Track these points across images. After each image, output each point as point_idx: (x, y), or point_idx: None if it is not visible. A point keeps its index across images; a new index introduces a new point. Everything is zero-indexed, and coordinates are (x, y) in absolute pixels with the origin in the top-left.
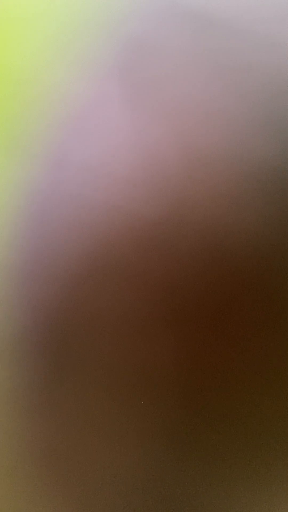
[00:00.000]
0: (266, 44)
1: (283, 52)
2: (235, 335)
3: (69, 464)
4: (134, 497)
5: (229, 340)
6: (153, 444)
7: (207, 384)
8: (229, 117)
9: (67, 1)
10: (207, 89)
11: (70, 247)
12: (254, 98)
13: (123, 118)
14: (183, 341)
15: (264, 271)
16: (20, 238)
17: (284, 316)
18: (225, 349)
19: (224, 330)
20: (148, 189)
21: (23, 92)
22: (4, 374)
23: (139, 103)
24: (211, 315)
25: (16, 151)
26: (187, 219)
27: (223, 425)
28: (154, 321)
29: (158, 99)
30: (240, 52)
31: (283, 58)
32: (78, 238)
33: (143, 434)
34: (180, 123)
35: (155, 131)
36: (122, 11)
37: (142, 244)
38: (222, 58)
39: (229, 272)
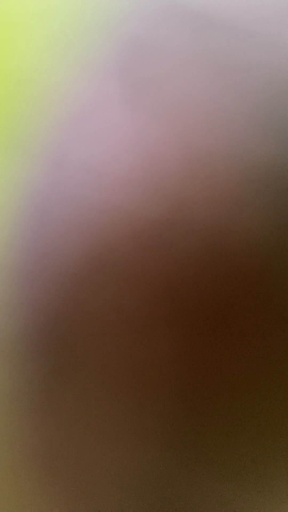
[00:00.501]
0: (266, 44)
1: (283, 52)
2: (234, 335)
3: (69, 464)
4: (134, 497)
5: (229, 340)
6: (152, 444)
7: (206, 383)
8: (229, 117)
9: (67, 1)
10: (207, 89)
11: (70, 247)
12: (254, 98)
13: (123, 118)
14: (182, 341)
15: (264, 271)
16: (20, 238)
17: (284, 316)
18: (225, 349)
19: (224, 330)
20: (148, 189)
21: (23, 92)
22: (4, 374)
23: (139, 103)
24: (211, 315)
25: (16, 151)
26: (187, 219)
27: (222, 424)
28: (154, 321)
29: (158, 99)
30: (240, 52)
31: (283, 58)
32: (78, 238)
33: (143, 434)
34: (180, 123)
35: (155, 131)
36: (122, 11)
37: (142, 244)
38: (222, 58)
39: (229, 272)
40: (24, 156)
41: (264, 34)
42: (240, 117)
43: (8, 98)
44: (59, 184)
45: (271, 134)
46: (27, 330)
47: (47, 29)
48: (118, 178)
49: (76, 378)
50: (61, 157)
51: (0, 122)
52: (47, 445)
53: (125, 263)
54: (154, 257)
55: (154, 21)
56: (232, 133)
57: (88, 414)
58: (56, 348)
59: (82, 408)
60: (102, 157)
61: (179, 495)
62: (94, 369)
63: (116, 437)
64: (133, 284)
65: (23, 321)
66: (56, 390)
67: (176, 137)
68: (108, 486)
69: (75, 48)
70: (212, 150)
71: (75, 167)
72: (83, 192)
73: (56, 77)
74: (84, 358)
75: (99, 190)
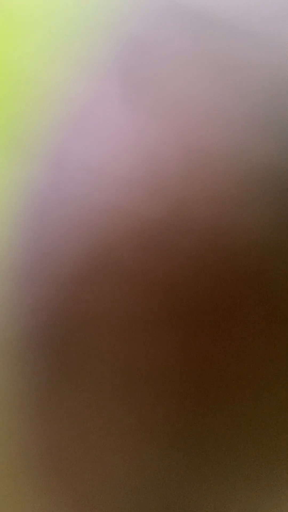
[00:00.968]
0: (266, 44)
1: (283, 52)
2: (235, 334)
3: (69, 464)
4: (134, 497)
5: (230, 340)
6: (153, 444)
7: (207, 384)
8: (229, 117)
9: (67, 1)
10: (207, 89)
11: (70, 247)
12: (254, 98)
13: (123, 118)
14: (183, 341)
15: (264, 271)
16: (20, 238)
17: (285, 316)
18: (226, 348)
19: (224, 330)
20: (148, 189)
21: (23, 92)
22: (4, 374)
23: (139, 103)
24: (212, 315)
25: (16, 151)
26: (187, 219)
27: (223, 425)
28: (154, 321)
29: (158, 99)
30: (240, 52)
31: (283, 58)
32: (78, 238)
33: (144, 434)
34: (180, 123)
35: (155, 131)
36: (122, 11)
37: (142, 244)
38: (222, 58)
39: (229, 271)
40: (24, 156)
41: (264, 34)
42: (240, 117)
43: (8, 98)
44: (59, 184)
45: (271, 134)
46: (27, 330)
47: (47, 29)
48: (118, 178)
49: (76, 378)
50: (61, 157)
51: (0, 122)
52: (47, 445)
53: (125, 263)
54: (154, 257)
55: (154, 21)
56: (232, 133)
57: (88, 414)
58: (56, 348)
59: (83, 408)
60: (102, 157)
61: (180, 495)
62: (94, 369)
63: (116, 437)
64: (133, 284)
65: (23, 321)
66: (56, 390)
67: (176, 137)
68: (109, 486)
69: (75, 48)
70: (212, 150)
71: (75, 167)
72: (83, 192)
73: (56, 77)
74: (84, 358)
75: (99, 190)
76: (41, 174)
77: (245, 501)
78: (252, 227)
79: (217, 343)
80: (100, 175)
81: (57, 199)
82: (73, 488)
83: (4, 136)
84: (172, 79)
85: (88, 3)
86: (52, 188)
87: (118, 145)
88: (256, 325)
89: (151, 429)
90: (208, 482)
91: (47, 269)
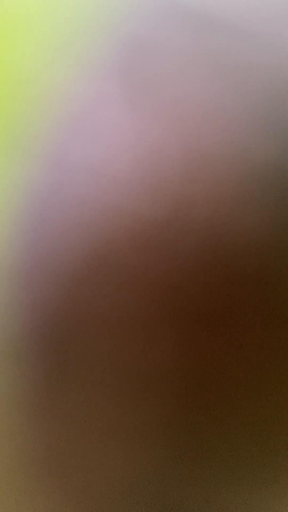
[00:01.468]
0: (266, 44)
1: (283, 52)
2: (235, 334)
3: (69, 464)
4: (134, 497)
5: (229, 340)
6: (153, 443)
7: (207, 383)
8: (229, 117)
9: (67, 1)
10: (207, 89)
11: (70, 247)
12: (254, 98)
13: (123, 118)
14: (183, 341)
15: (264, 271)
16: (20, 238)
17: (285, 316)
18: (225, 348)
19: (224, 330)
20: (148, 189)
21: (23, 92)
22: (4, 374)
23: (139, 103)
24: (211, 314)
25: (16, 151)
26: (187, 219)
27: (223, 424)
28: (154, 321)
29: (158, 99)
30: (240, 52)
31: (283, 58)
32: (78, 238)
33: (143, 433)
34: (180, 123)
35: (155, 131)
36: (122, 11)
37: (142, 244)
38: (222, 58)
39: (229, 271)
40: (24, 156)
41: (264, 34)
42: (240, 117)
43: (8, 98)
44: (59, 184)
45: (271, 134)
46: (27, 330)
47: (47, 29)
48: (118, 178)
49: (76, 378)
50: (61, 157)
51: (0, 122)
52: (47, 445)
53: (125, 263)
54: (154, 257)
55: (154, 21)
56: (232, 133)
57: (88, 414)
58: (56, 348)
59: (83, 408)
60: (102, 157)
61: (179, 495)
62: (94, 369)
63: (116, 437)
64: (133, 284)
65: (23, 321)
66: (56, 390)
67: (176, 137)
68: (108, 485)
69: (75, 48)
70: (212, 150)
71: (75, 167)
72: (83, 192)
73: (56, 77)
74: (84, 358)
75: (99, 190)
76: (41, 174)
77: (245, 501)
78: (252, 227)
79: (217, 343)
80: (100, 175)
81: (57, 199)
82: (73, 488)
83: (4, 136)
84: (172, 79)
85: (88, 3)
86: (52, 188)
87: (118, 145)
88: (256, 325)
89: (151, 429)
90: (208, 482)
91: (47, 269)
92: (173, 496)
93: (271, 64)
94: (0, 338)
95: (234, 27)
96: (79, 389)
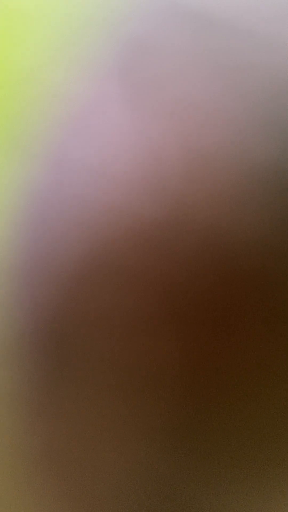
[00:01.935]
0: (266, 44)
1: (283, 52)
2: (235, 334)
3: (69, 464)
4: (135, 496)
5: (230, 340)
6: (154, 443)
7: (208, 382)
8: (229, 117)
9: (67, 1)
10: (207, 89)
11: (70, 247)
12: (254, 98)
13: (123, 118)
14: (183, 341)
15: (264, 271)
16: (20, 238)
17: (285, 316)
18: (226, 348)
19: (225, 330)
20: (148, 189)
21: (23, 92)
22: (4, 374)
23: (139, 103)
24: (212, 314)
25: (16, 151)
26: (187, 219)
27: (223, 423)
28: (154, 321)
29: (158, 99)
30: (240, 52)
31: (283, 58)
32: (78, 238)
33: (144, 433)
34: (180, 123)
35: (155, 131)
36: (122, 11)
37: (142, 244)
38: (222, 58)
39: (229, 271)
40: (24, 156)
41: (264, 34)
42: (240, 117)
43: (8, 98)
44: (59, 184)
45: (271, 134)
46: (27, 330)
47: (47, 29)
48: (118, 178)
49: (76, 378)
50: (61, 157)
51: (0, 122)
52: (47, 445)
53: (125, 263)
54: (154, 257)
55: (154, 21)
56: (232, 133)
57: (88, 414)
58: (56, 348)
59: (83, 408)
60: (102, 157)
61: (180, 495)
62: (94, 368)
63: (116, 436)
64: (133, 284)
65: (23, 321)
66: (56, 389)
67: (176, 137)
68: (109, 485)
69: (75, 48)
70: (212, 150)
71: (75, 167)
72: (83, 192)
73: (56, 77)
74: (84, 358)
75: (99, 190)
76: (41, 174)
77: (246, 501)
78: (252, 227)
79: (217, 343)
80: (100, 175)
81: (57, 199)
82: (73, 488)
83: (4, 136)
84: (172, 79)
85: (88, 3)
86: (52, 188)
87: (118, 145)
88: (256, 325)
89: (151, 428)
90: (208, 481)
91: (47, 269)
92: (173, 496)
93: (271, 64)
94: (0, 338)
95: (234, 27)
96: (79, 389)
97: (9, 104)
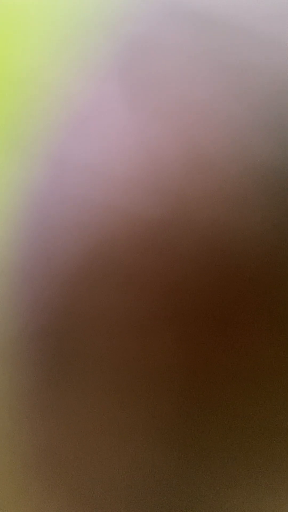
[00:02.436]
0: (266, 44)
1: (284, 52)
2: (235, 334)
3: (69, 464)
4: (134, 496)
5: (230, 340)
6: (153, 443)
7: (207, 382)
8: (229, 117)
9: (67, 1)
10: (208, 89)
11: (70, 247)
12: (254, 98)
13: (123, 118)
14: (183, 341)
15: (264, 271)
16: (20, 238)
17: (285, 316)
18: (226, 348)
19: (225, 330)
20: (148, 188)
21: (23, 92)
22: (4, 374)
23: (139, 103)
24: (212, 314)
25: (16, 151)
26: (187, 219)
27: (223, 424)
28: (154, 321)
29: (158, 98)
30: (240, 52)
31: (283, 58)
32: (78, 237)
33: (144, 433)
34: (180, 123)
35: (155, 131)
36: (122, 11)
37: (142, 244)
38: (223, 57)
39: (229, 271)
40: (24, 156)
41: (264, 33)
42: (240, 117)
43: (8, 98)
44: (59, 184)
45: (271, 133)
46: (27, 330)
47: (47, 29)
48: (118, 178)
49: (76, 378)
50: (61, 157)
51: (0, 122)
52: (47, 444)
53: (125, 262)
54: (154, 257)
55: (154, 21)
56: (232, 132)
57: (88, 414)
58: (56, 348)
59: (83, 408)
60: (102, 157)
61: (179, 495)
62: (94, 368)
63: (116, 436)
64: (133, 283)
65: (23, 321)
66: (56, 389)
67: (176, 136)
68: (109, 485)
69: (75, 48)
70: (212, 149)
71: (75, 167)
72: (83, 192)
73: (56, 77)
74: (84, 358)
75: (99, 190)
76: (41, 174)
77: (246, 501)
78: (252, 227)
79: (217, 342)
80: (100, 175)
81: (57, 199)
82: (74, 488)
83: (4, 136)
84: (172, 79)
85: (88, 3)
86: (52, 188)
87: (118, 145)
88: (256, 324)
89: (151, 428)
90: (208, 481)
91: (47, 268)
92: (173, 496)
93: (271, 64)
94: (0, 338)
95: (234, 26)
96: (79, 389)
97: (9, 104)
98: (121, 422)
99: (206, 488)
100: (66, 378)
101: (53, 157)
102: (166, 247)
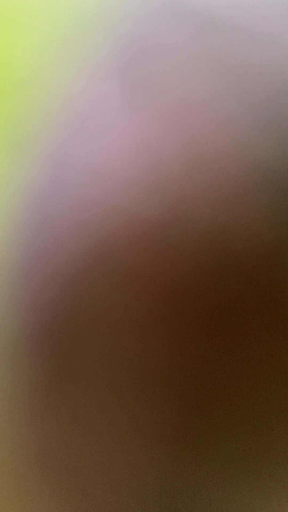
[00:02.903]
0: (267, 44)
1: (284, 52)
2: (235, 334)
3: (69, 464)
4: (135, 496)
5: (230, 340)
6: (153, 443)
7: (207, 383)
8: (229, 117)
9: (67, 1)
10: (208, 89)
11: (70, 247)
12: (254, 98)
13: (123, 118)
14: (184, 341)
15: (264, 271)
16: (20, 238)
17: (285, 315)
18: (226, 348)
19: (225, 330)
20: (148, 189)
21: (23, 92)
22: (4, 374)
23: (139, 103)
24: (212, 314)
25: (16, 151)
26: (187, 219)
27: (223, 424)
28: (154, 321)
29: (158, 98)
30: (240, 52)
31: (283, 58)
32: (78, 238)
33: (144, 433)
34: (180, 123)
35: (155, 131)
36: (122, 11)
37: (142, 244)
38: (223, 57)
39: (229, 271)
40: (24, 156)
41: (265, 33)
42: (240, 117)
43: (8, 98)
44: (59, 184)
45: (271, 133)
46: (27, 330)
47: (47, 29)
48: (118, 178)
49: (76, 378)
50: (61, 157)
51: (0, 122)
52: (47, 444)
53: (125, 262)
54: (155, 257)
55: (154, 21)
56: (232, 132)
57: (88, 414)
58: (56, 348)
59: (83, 408)
60: (102, 157)
61: (180, 495)
62: (94, 368)
63: (116, 436)
64: (133, 283)
65: (23, 321)
66: (56, 390)
67: (176, 137)
68: (109, 485)
69: (75, 48)
70: (212, 149)
71: (75, 167)
72: (83, 192)
73: (56, 77)
74: (84, 358)
75: (99, 190)
76: (41, 174)
77: (246, 501)
78: (252, 227)
79: (218, 343)
80: (100, 175)
81: (57, 199)
82: (74, 489)
83: (4, 136)
84: (173, 79)
85: (88, 3)
86: (52, 188)
87: (118, 145)
88: (256, 324)
89: (151, 428)
90: (209, 481)
91: (47, 268)
92: (174, 496)
93: (272, 64)
94: (0, 338)
95: (235, 26)
96: (79, 389)
97: (9, 104)
98: (121, 422)
99: (206, 488)
100: (66, 378)
101: (53, 157)
102: (166, 247)
